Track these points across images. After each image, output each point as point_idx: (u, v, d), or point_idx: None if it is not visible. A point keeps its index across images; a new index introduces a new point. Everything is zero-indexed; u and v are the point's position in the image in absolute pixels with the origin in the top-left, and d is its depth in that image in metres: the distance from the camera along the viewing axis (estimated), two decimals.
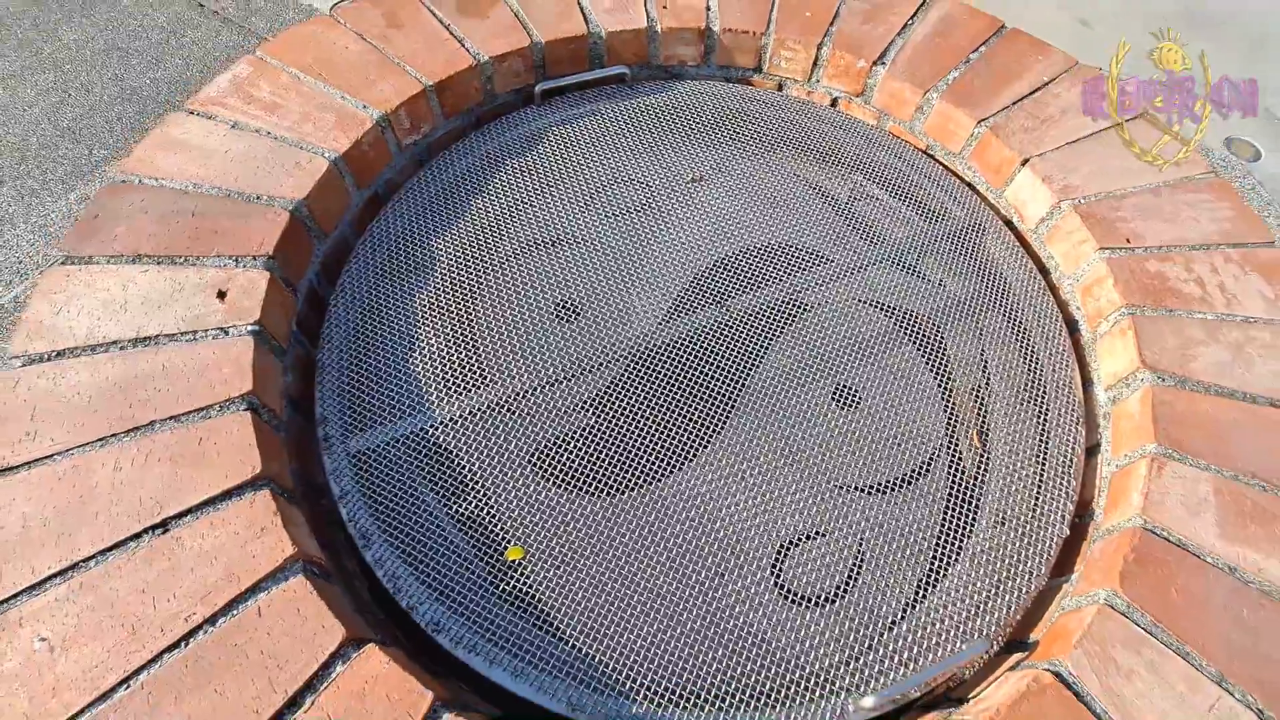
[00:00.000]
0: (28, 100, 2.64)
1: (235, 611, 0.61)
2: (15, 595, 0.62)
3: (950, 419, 0.86)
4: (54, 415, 0.70)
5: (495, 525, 0.74)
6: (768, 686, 0.67)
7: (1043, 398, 0.86)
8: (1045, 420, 0.85)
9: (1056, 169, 0.95)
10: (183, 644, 0.60)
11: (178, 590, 0.62)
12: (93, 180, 2.42)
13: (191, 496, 0.66)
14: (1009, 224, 1.00)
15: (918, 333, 0.91)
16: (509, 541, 0.74)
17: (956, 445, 0.84)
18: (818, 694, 0.67)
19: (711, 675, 0.67)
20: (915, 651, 0.69)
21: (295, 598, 0.62)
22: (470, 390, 0.82)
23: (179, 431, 0.70)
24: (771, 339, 0.89)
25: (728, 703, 0.66)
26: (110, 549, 0.64)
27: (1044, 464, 0.82)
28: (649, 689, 0.66)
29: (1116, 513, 0.74)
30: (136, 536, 0.64)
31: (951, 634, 0.70)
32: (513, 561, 0.72)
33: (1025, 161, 0.96)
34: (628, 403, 0.83)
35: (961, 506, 0.79)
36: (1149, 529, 0.68)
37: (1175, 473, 0.71)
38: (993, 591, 0.73)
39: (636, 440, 0.80)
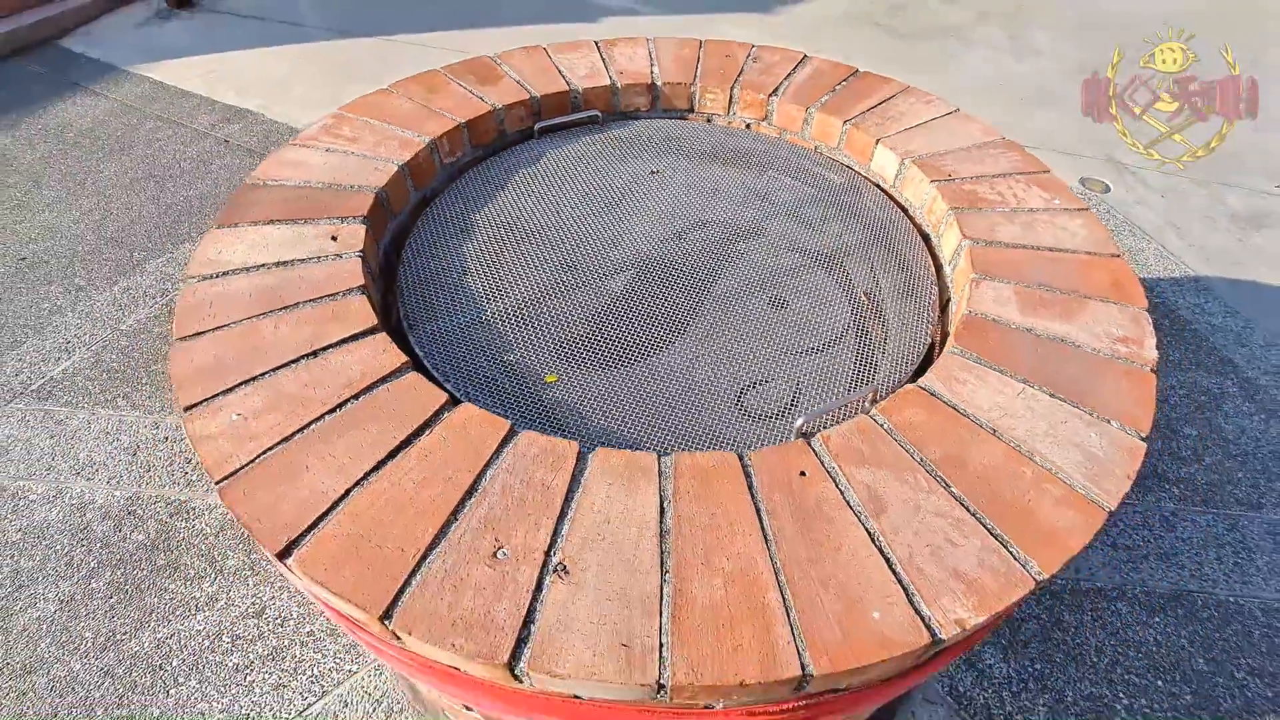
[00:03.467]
0: (73, 219, 3.09)
1: (370, 393, 0.90)
2: (214, 395, 0.90)
3: (854, 307, 1.21)
4: (226, 304, 1.01)
5: (532, 370, 1.05)
6: (738, 441, 0.96)
7: (913, 283, 1.23)
8: (916, 294, 1.20)
9: (899, 143, 1.38)
10: (337, 409, 0.88)
11: (330, 384, 0.91)
12: (134, 274, 2.75)
13: (332, 338, 0.97)
14: (877, 185, 1.42)
15: (825, 261, 1.28)
16: (542, 375, 1.04)
17: (862, 321, 1.19)
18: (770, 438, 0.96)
19: (701, 440, 0.97)
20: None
21: (411, 383, 0.92)
22: (502, 297, 1.16)
23: (317, 308, 1.01)
24: (721, 272, 1.25)
25: (711, 443, 0.95)
26: (279, 368, 0.93)
27: (918, 313, 1.16)
28: (654, 443, 0.95)
29: (956, 321, 1.08)
30: (296, 360, 0.94)
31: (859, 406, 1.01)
32: (550, 384, 1.02)
33: (879, 141, 1.39)
34: (627, 307, 1.17)
35: (865, 352, 1.12)
36: (972, 313, 1.02)
37: (988, 285, 1.07)
38: (885, 381, 1.05)
39: (633, 330, 1.13)
